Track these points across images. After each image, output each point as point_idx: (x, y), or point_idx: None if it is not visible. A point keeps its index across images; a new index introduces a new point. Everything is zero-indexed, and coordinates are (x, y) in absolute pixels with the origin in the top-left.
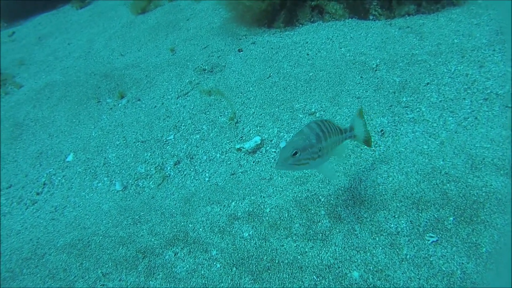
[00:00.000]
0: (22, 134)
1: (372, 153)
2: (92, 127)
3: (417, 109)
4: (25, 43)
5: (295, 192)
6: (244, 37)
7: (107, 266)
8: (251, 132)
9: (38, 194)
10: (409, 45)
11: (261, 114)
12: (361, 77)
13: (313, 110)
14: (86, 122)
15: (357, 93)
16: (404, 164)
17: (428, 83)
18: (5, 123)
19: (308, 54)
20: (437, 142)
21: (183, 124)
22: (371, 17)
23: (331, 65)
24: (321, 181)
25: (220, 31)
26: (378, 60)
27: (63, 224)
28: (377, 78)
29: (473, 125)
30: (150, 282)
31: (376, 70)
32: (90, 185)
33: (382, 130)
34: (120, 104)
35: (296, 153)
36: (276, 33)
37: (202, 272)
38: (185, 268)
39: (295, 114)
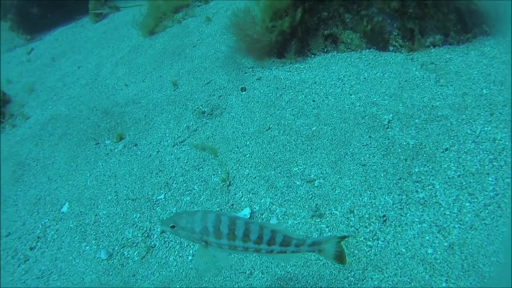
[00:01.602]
0: (23, 175)
1: (368, 250)
2: (88, 174)
3: (430, 186)
4: (39, 64)
5: None
6: (250, 70)
7: None
8: (243, 199)
9: (31, 249)
10: (429, 93)
11: (255, 178)
12: (370, 136)
13: (312, 176)
14: (82, 168)
15: (363, 158)
16: (400, 277)
17: (447, 149)
18: (9, 161)
19: (314, 101)
20: (446, 244)
21: (174, 182)
22: (391, 48)
23: (337, 118)
24: None
25: (225, 63)
26: (391, 115)
27: None
28: (388, 139)
29: (494, 217)
30: None
31: (387, 128)
32: (78, 247)
33: (384, 216)
34: (116, 149)
35: (173, 226)
36: (286, 65)
37: None
38: None
39: (292, 180)
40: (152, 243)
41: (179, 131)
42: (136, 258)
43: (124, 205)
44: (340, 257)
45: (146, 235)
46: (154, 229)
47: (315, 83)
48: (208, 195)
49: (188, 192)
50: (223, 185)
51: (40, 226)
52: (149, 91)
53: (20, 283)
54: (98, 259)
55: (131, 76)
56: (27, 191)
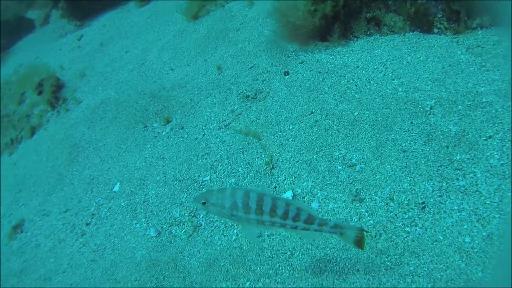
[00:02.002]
0: (78, 156)
1: (406, 236)
2: (137, 156)
3: (471, 174)
4: (89, 50)
5: (308, 285)
6: (293, 53)
7: None
8: (285, 182)
9: (87, 224)
10: (474, 78)
11: (297, 161)
12: (412, 122)
13: (353, 161)
14: (132, 150)
15: (404, 144)
16: (436, 264)
17: (490, 137)
18: (65, 143)
19: (356, 85)
20: (484, 234)
21: (220, 164)
22: (435, 31)
23: (379, 103)
24: (338, 275)
25: (268, 47)
26: (433, 101)
27: (100, 270)
28: (430, 125)
29: None
30: None
31: (430, 114)
32: (129, 225)
33: (423, 203)
34: (164, 132)
35: (204, 203)
36: (329, 48)
37: None
38: None
39: (333, 165)
40: (198, 222)
41: (224, 114)
42: (183, 236)
43: (172, 185)
44: (359, 242)
45: (192, 214)
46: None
47: (358, 67)
48: (252, 178)
49: (233, 174)
50: (266, 168)
51: (94, 204)
52: (194, 75)
53: (79, 255)
54: (147, 236)
55: (176, 61)
56: (81, 171)
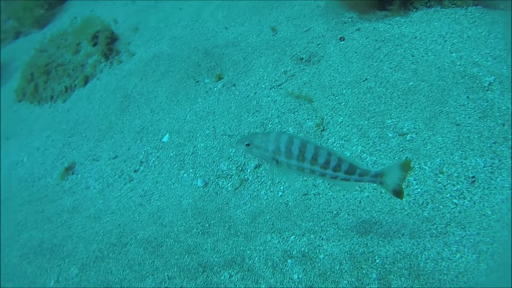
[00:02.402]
0: (129, 106)
1: (453, 207)
2: (188, 109)
3: None
4: (143, 5)
5: (352, 244)
6: (350, 20)
7: (173, 270)
8: (335, 144)
9: (135, 171)
10: None
11: (348, 126)
12: (468, 97)
13: (405, 130)
14: (183, 103)
15: (458, 118)
16: (483, 237)
17: None
18: (117, 93)
19: (413, 56)
20: None
21: (270, 122)
22: (501, 6)
23: (435, 75)
24: (382, 237)
25: (325, 11)
26: (493, 77)
27: (146, 214)
28: (487, 101)
29: None
30: None
31: (487, 90)
32: (177, 174)
33: (473, 177)
34: (215, 88)
35: (248, 145)
36: (386, 17)
37: None
38: None
39: (384, 132)
40: (246, 176)
41: (277, 75)
42: (229, 189)
43: (221, 140)
44: (398, 192)
45: (240, 169)
46: (248, 164)
47: (415, 38)
48: None
49: (285, 130)
50: (317, 129)
51: (143, 153)
52: (248, 35)
53: (127, 199)
54: (194, 186)
55: (230, 20)
56: (132, 120)
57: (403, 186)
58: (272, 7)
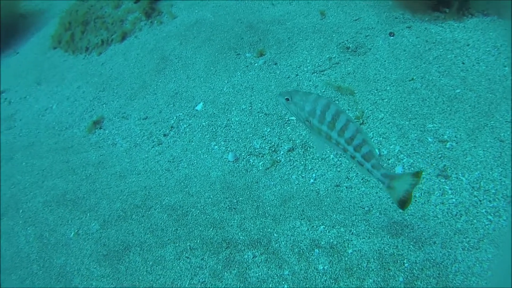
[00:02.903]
0: (165, 69)
1: (487, 223)
2: (226, 81)
3: None
4: None
5: (383, 244)
6: (401, 15)
7: (195, 241)
8: (373, 140)
9: (165, 135)
10: None
11: (388, 123)
12: None
13: (445, 137)
14: (221, 74)
15: (503, 134)
16: None
17: None
18: (154, 53)
19: (463, 63)
20: None
21: None
22: None
23: (485, 87)
24: (414, 241)
25: (377, 3)
26: None
27: (173, 180)
28: None
29: None
30: (225, 273)
31: None
32: (208, 144)
33: None
34: (256, 64)
35: (287, 99)
36: (439, 19)
37: (270, 286)
38: (257, 274)
39: (424, 136)
40: (278, 158)
41: (321, 60)
42: (260, 168)
43: (257, 117)
44: (403, 201)
45: (273, 149)
46: (281, 146)
47: (468, 45)
48: None
49: None
50: (356, 122)
51: (175, 118)
52: (296, 15)
53: (154, 162)
54: (225, 160)
55: None
56: (166, 83)
57: (411, 198)
58: None
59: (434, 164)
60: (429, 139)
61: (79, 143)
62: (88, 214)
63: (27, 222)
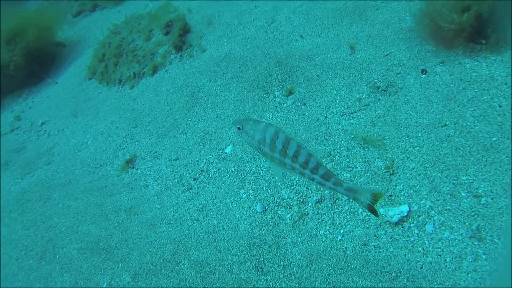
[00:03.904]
0: (195, 107)
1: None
2: None
3: None
4: None
5: None
6: (434, 49)
7: None
8: (403, 193)
9: (194, 179)
10: None
11: (420, 175)
12: None
13: (480, 192)
14: (249, 114)
15: None
16: None
17: None
18: (184, 90)
19: (500, 106)
20: None
21: (338, 154)
22: None
23: None
24: None
25: (408, 36)
26: None
27: (202, 232)
28: None
29: None
30: None
31: None
32: (236, 192)
33: None
34: (285, 104)
35: (239, 128)
36: (475, 51)
37: None
38: None
39: (458, 189)
40: (306, 210)
41: (350, 101)
42: (288, 221)
43: None
44: (373, 210)
45: (301, 200)
46: (310, 197)
47: (506, 84)
48: (369, 178)
49: (349, 169)
50: (385, 172)
51: (204, 160)
52: (325, 49)
53: (183, 210)
54: (253, 211)
55: (307, 28)
56: (196, 123)
57: (377, 207)
58: (352, 21)
59: (467, 223)
60: (463, 194)
61: (112, 183)
62: (119, 265)
63: (63, 268)
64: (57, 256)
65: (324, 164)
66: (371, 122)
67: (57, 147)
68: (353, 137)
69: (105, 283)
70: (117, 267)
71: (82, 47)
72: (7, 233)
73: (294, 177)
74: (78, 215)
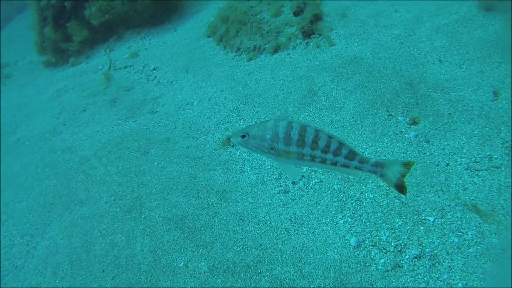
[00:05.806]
0: (310, 104)
1: None
2: (369, 144)
3: None
4: None
5: None
6: None
7: None
8: None
9: (293, 183)
10: None
11: None
12: None
13: None
14: (367, 133)
15: None
16: None
17: None
18: (303, 82)
19: None
20: None
21: (451, 212)
22: None
23: None
24: None
25: None
26: None
27: (290, 247)
28: None
29: None
30: None
31: None
32: (333, 215)
33: None
34: (407, 135)
35: (244, 136)
36: None
37: None
38: None
39: None
40: (401, 262)
41: (479, 155)
42: (380, 267)
43: (392, 202)
44: (401, 187)
45: (399, 249)
46: (409, 248)
47: None
48: (478, 252)
49: (459, 234)
50: (500, 253)
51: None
52: (463, 85)
53: (275, 214)
54: (346, 241)
55: (448, 53)
56: (308, 121)
57: (405, 182)
58: (502, 60)
59: None
60: None
61: (209, 156)
62: (200, 251)
63: (145, 230)
64: (143, 216)
65: (347, 143)
66: (497, 190)
67: (163, 98)
68: (462, 203)
69: (182, 263)
70: (197, 252)
71: (206, 1)
72: (103, 173)
73: (399, 221)
74: (170, 180)
